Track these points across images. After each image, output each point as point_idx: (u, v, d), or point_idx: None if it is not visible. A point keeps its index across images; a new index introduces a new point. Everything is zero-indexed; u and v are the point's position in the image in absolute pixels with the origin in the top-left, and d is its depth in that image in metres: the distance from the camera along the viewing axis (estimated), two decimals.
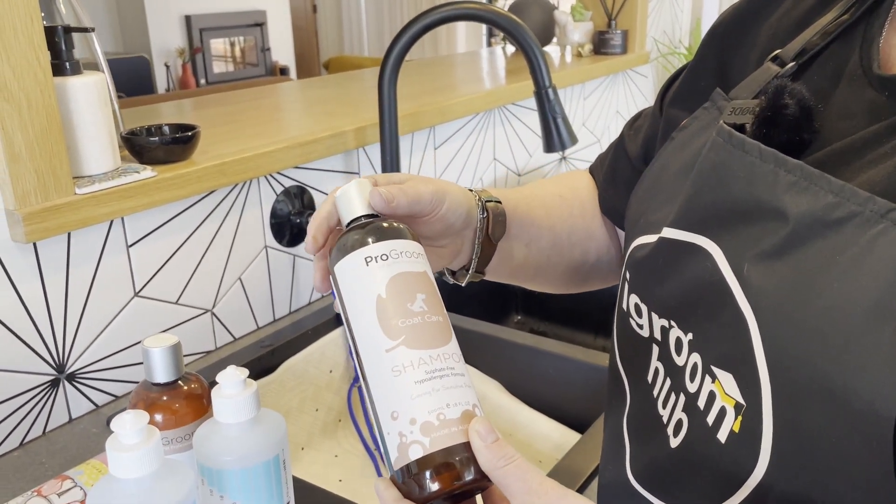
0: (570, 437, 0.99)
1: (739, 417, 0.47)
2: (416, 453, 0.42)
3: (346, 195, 0.52)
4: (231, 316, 1.05)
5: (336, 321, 1.12)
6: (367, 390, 0.45)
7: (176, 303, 0.97)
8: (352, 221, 0.51)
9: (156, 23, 4.95)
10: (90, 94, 0.83)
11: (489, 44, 5.91)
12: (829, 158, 0.47)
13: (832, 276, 0.43)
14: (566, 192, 0.74)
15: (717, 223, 0.50)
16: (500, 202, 0.65)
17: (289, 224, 1.11)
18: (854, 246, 0.42)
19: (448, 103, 1.36)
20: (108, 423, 0.87)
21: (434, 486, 0.42)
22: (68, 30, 0.83)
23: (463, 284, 0.66)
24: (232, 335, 1.06)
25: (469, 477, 0.42)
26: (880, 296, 0.40)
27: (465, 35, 6.13)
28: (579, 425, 1.00)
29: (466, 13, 1.06)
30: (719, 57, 0.61)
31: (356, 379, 1.12)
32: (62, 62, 0.82)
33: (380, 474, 1.05)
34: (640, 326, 0.58)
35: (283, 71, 5.72)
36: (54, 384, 0.85)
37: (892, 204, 0.41)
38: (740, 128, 0.51)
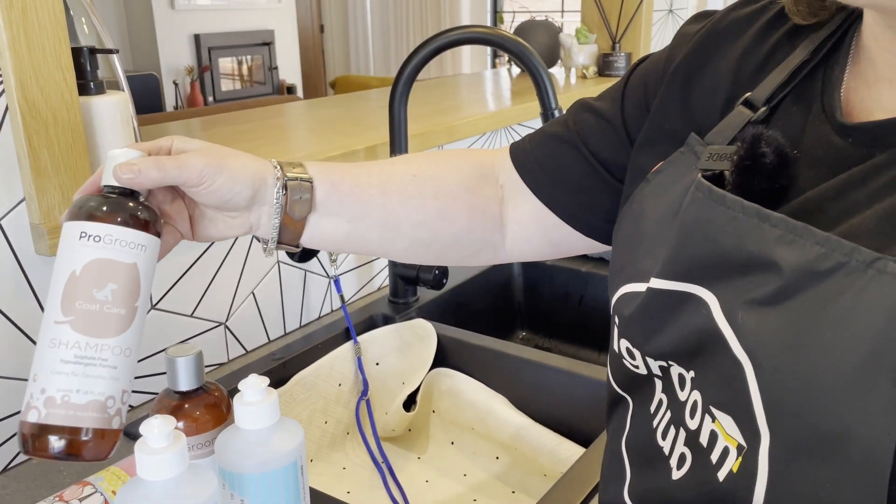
0: (574, 451, 1.00)
1: (739, 459, 0.49)
2: (32, 417, 0.49)
3: (113, 159, 0.55)
4: (243, 329, 1.08)
5: (345, 336, 1.15)
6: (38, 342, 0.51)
7: (191, 316, 0.99)
8: (107, 187, 0.55)
9: (165, 42, 5.02)
10: (113, 113, 0.86)
11: (494, 65, 5.97)
12: (805, 207, 0.49)
13: (824, 326, 0.44)
14: (427, 171, 0.73)
15: (708, 273, 0.51)
16: (309, 180, 0.65)
17: None
18: (844, 296, 0.44)
19: (455, 123, 1.39)
20: (124, 432, 0.89)
21: (31, 450, 0.49)
22: (93, 51, 0.86)
23: (265, 256, 0.67)
24: (244, 348, 1.08)
25: (61, 454, 0.49)
26: (873, 346, 0.42)
27: (470, 56, 6.19)
28: (584, 440, 1.02)
29: (476, 37, 1.10)
30: (683, 99, 0.62)
31: (364, 392, 1.14)
32: (87, 82, 0.85)
33: (387, 488, 1.07)
34: (636, 367, 0.59)
35: (290, 90, 5.78)
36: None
37: (876, 254, 0.43)
38: (719, 175, 0.53)
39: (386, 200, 0.69)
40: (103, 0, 4.83)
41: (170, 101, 5.06)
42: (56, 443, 0.49)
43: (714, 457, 0.51)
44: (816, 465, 0.45)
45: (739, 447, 0.49)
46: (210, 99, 5.33)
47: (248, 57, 5.61)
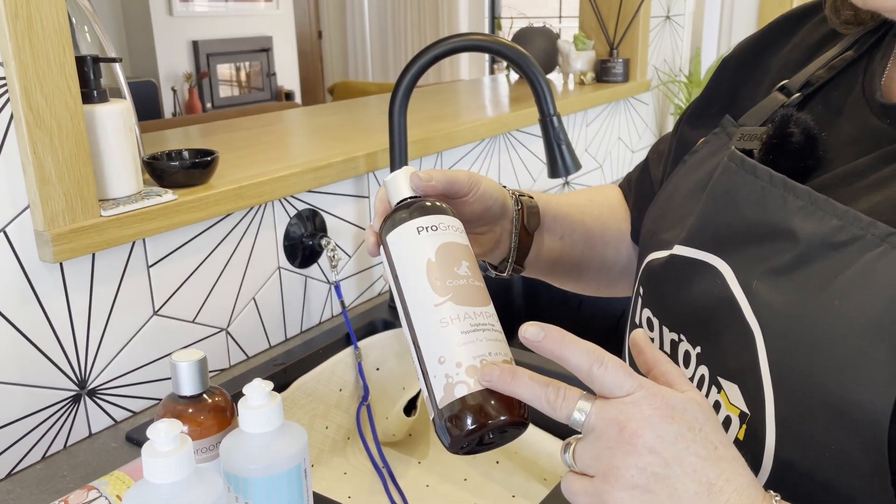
0: None
1: (744, 426, 0.50)
2: (461, 391, 0.46)
3: (394, 180, 0.59)
4: (245, 335, 1.08)
5: (346, 341, 1.15)
6: (416, 343, 0.50)
7: (193, 321, 1.00)
8: (400, 201, 0.57)
9: (164, 48, 5.03)
10: (116, 121, 0.87)
11: (492, 71, 5.98)
12: (832, 182, 0.51)
13: (834, 294, 0.46)
14: (595, 196, 0.80)
15: (728, 242, 0.53)
16: (531, 197, 0.71)
17: (301, 246, 1.14)
18: (855, 267, 0.45)
19: (455, 130, 1.40)
20: (126, 438, 0.90)
21: (479, 421, 0.45)
22: (97, 60, 0.87)
23: (505, 275, 0.71)
24: (245, 354, 1.09)
25: (508, 416, 0.45)
26: (878, 314, 0.43)
27: (468, 63, 6.21)
28: None
29: (475, 45, 1.11)
30: (731, 86, 0.65)
31: (364, 398, 1.15)
32: (90, 90, 0.86)
33: (388, 492, 1.08)
34: (651, 340, 0.61)
35: (289, 96, 5.79)
36: (76, 399, 0.88)
37: (892, 228, 0.45)
38: (748, 153, 0.55)
39: (583, 219, 0.77)
40: (101, 6, 4.84)
41: (168, 107, 5.06)
42: (501, 405, 0.46)
43: None
44: (821, 428, 0.46)
45: (742, 415, 0.50)
46: (208, 105, 5.34)
47: (247, 63, 5.62)
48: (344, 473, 1.11)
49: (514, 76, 2.23)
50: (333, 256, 1.14)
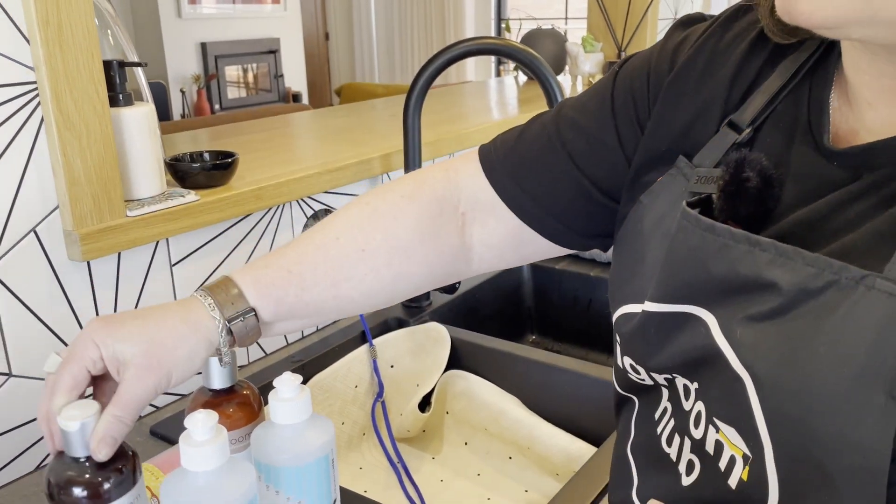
0: (585, 450, 1.03)
1: (747, 467, 0.51)
2: None
3: (70, 435, 0.54)
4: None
5: (361, 339, 1.18)
6: None
7: None
8: (72, 458, 0.54)
9: (173, 50, 5.06)
10: (141, 123, 0.90)
11: (498, 73, 6.01)
12: (794, 229, 0.51)
13: (819, 340, 0.46)
14: (375, 237, 0.69)
15: (703, 295, 0.53)
16: (251, 311, 0.62)
17: None
18: (836, 311, 0.46)
19: (466, 131, 1.42)
20: (150, 432, 0.92)
21: None
22: (122, 64, 0.90)
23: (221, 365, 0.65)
24: (264, 351, 1.11)
25: None
26: (865, 359, 0.44)
27: (474, 64, 6.23)
28: (594, 439, 1.04)
29: (489, 48, 1.13)
30: (678, 118, 0.62)
31: (380, 394, 1.17)
32: (116, 94, 0.89)
33: (403, 487, 1.10)
34: (642, 380, 0.61)
35: (296, 97, 5.82)
36: None
37: (864, 271, 0.45)
38: (707, 198, 0.55)
39: (337, 292, 0.67)
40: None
41: (177, 109, 5.10)
42: None
43: (722, 465, 0.54)
44: (820, 474, 0.47)
45: (745, 456, 0.51)
46: (216, 107, 5.38)
47: (254, 65, 5.66)
48: (360, 468, 1.13)
49: (523, 78, 2.26)
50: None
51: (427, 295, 1.27)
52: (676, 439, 0.59)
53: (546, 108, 1.14)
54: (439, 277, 0.73)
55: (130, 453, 0.57)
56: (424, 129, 1.39)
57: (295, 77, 5.89)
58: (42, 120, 0.80)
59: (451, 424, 1.19)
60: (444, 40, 6.39)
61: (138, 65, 0.92)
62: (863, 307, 0.45)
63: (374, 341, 1.17)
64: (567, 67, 2.14)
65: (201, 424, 0.51)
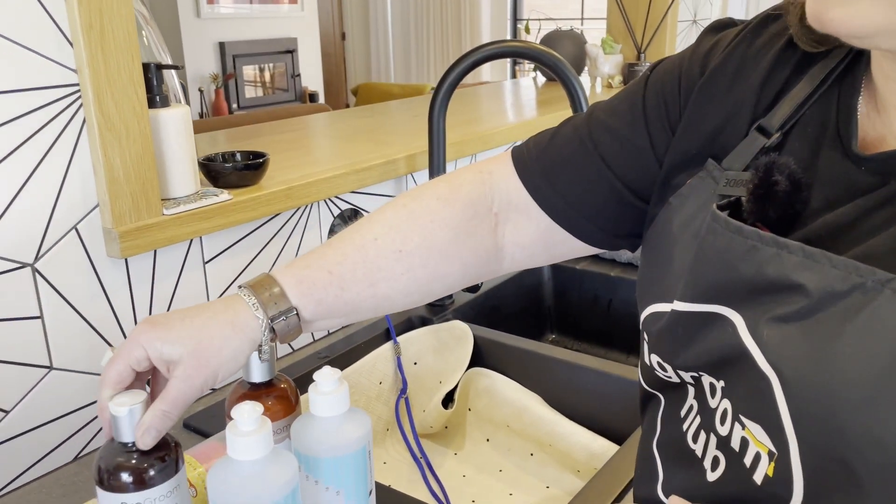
0: (607, 447, 1.05)
1: (772, 464, 0.53)
2: None
3: (119, 420, 0.57)
4: None
5: (385, 336, 1.20)
6: None
7: None
8: (122, 444, 0.58)
9: (191, 49, 5.11)
10: (178, 124, 0.92)
11: (514, 74, 6.02)
12: (822, 233, 0.53)
13: (845, 341, 0.48)
14: (413, 239, 0.71)
15: (730, 295, 0.55)
16: (293, 311, 0.64)
17: None
18: (862, 313, 0.48)
19: (490, 132, 1.44)
20: (184, 425, 0.95)
21: None
22: (160, 67, 0.92)
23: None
24: (291, 347, 1.14)
25: None
26: (891, 361, 0.46)
27: (490, 66, 6.24)
28: (617, 437, 1.06)
29: (513, 51, 1.15)
30: (708, 122, 0.63)
31: (403, 390, 1.19)
32: (153, 96, 0.91)
33: (426, 482, 1.12)
34: (669, 377, 0.63)
35: (312, 97, 5.85)
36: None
37: (889, 274, 0.47)
38: (736, 201, 0.57)
39: (374, 291, 0.69)
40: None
41: (195, 108, 5.15)
42: None
43: (747, 461, 0.55)
44: (845, 471, 0.49)
45: (770, 453, 0.53)
46: (234, 106, 5.42)
47: (272, 64, 5.69)
48: (384, 463, 1.16)
49: (542, 79, 2.27)
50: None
51: (450, 294, 1.29)
52: (702, 436, 0.60)
53: (569, 110, 1.16)
54: (472, 276, 0.75)
55: (174, 444, 0.60)
56: (447, 130, 1.41)
57: (312, 76, 5.92)
58: (84, 121, 0.83)
59: (474, 421, 1.21)
60: (460, 40, 6.41)
61: (175, 67, 0.95)
62: (887, 309, 0.47)
63: (399, 339, 1.20)
64: (586, 69, 2.15)
65: (247, 415, 0.54)
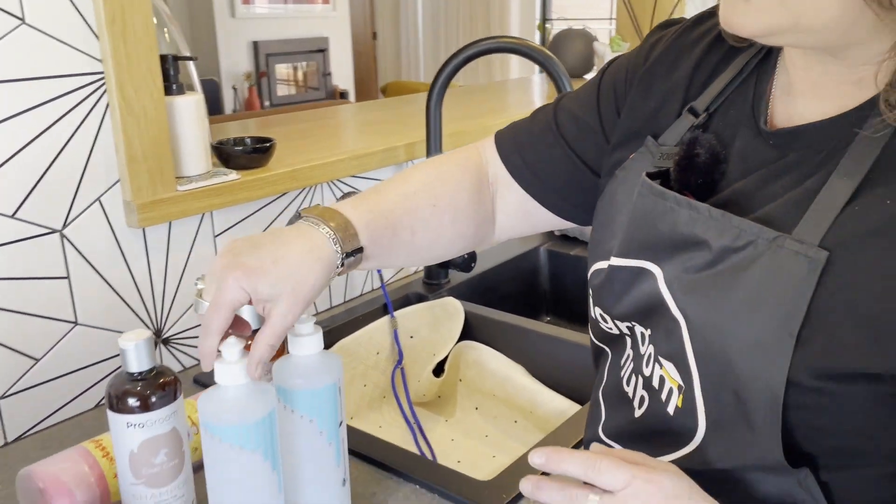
0: (583, 411, 1.13)
1: (681, 396, 0.63)
2: None
3: (127, 352, 0.67)
4: None
5: (384, 311, 1.29)
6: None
7: None
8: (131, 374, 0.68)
9: (226, 49, 5.26)
10: (191, 110, 1.03)
11: (542, 70, 6.08)
12: (735, 197, 0.62)
13: (738, 290, 0.57)
14: (444, 197, 0.79)
15: (653, 251, 0.64)
16: (361, 250, 0.71)
17: None
18: (753, 266, 0.57)
19: (490, 124, 1.53)
20: (194, 381, 1.05)
21: None
22: (176, 58, 1.03)
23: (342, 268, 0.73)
24: None
25: None
26: (774, 306, 0.55)
27: (518, 61, 6.32)
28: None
29: (505, 46, 1.24)
30: (647, 103, 0.73)
31: (399, 361, 1.29)
32: (170, 84, 1.02)
33: (417, 444, 1.21)
34: (610, 329, 0.72)
35: (343, 95, 5.98)
36: (153, 345, 1.04)
37: (776, 232, 0.56)
38: (666, 171, 0.66)
39: (413, 239, 0.77)
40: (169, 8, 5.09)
41: (229, 105, 5.30)
42: None
43: (663, 396, 0.65)
44: (735, 399, 0.58)
45: (679, 387, 0.63)
46: (266, 103, 5.56)
47: (304, 63, 5.82)
48: (379, 427, 1.25)
49: None
50: None
51: (446, 273, 1.39)
52: (633, 379, 0.69)
53: None
54: (479, 239, 0.85)
55: (173, 377, 0.70)
56: (455, 122, 1.50)
57: (343, 75, 6.05)
58: (107, 105, 0.94)
59: (464, 391, 1.30)
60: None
61: (190, 58, 1.05)
62: (773, 262, 0.56)
63: (396, 313, 1.29)
64: (595, 66, 2.23)
65: (232, 347, 0.63)
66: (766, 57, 0.67)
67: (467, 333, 1.30)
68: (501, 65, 6.37)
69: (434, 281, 1.38)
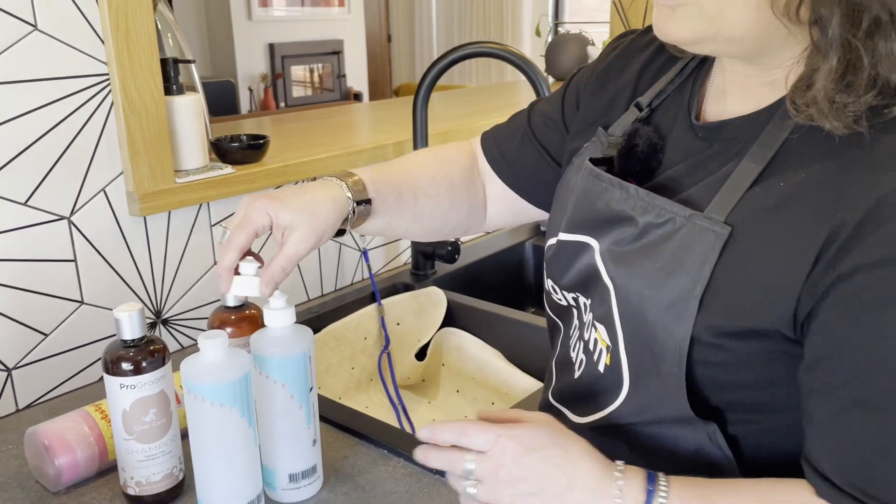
0: None
1: (609, 354, 0.71)
2: (131, 491, 0.80)
3: (121, 322, 0.75)
4: (287, 288, 1.32)
5: (372, 299, 1.38)
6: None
7: None
8: (124, 341, 0.76)
9: (242, 50, 5.37)
10: (190, 109, 1.12)
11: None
12: (666, 181, 0.71)
13: (655, 261, 0.66)
14: (441, 171, 0.91)
15: (592, 226, 0.74)
16: (369, 201, 0.82)
17: None
18: (670, 241, 0.65)
19: (477, 124, 1.61)
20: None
21: None
22: (176, 61, 1.12)
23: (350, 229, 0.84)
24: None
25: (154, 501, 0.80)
26: (685, 274, 0.64)
27: None
28: None
29: (486, 51, 1.31)
30: (601, 99, 0.83)
31: (385, 346, 1.37)
32: (170, 85, 1.11)
33: (400, 423, 1.29)
34: (560, 300, 0.81)
35: (357, 96, 6.08)
36: (153, 326, 1.13)
37: (691, 210, 0.64)
38: (610, 159, 0.75)
39: (416, 203, 0.88)
40: (187, 12, 5.22)
41: (245, 105, 5.41)
42: (150, 501, 0.80)
43: (595, 356, 0.73)
44: (652, 356, 0.66)
45: (608, 347, 0.71)
46: (282, 104, 5.67)
47: (319, 65, 5.92)
48: (366, 407, 1.33)
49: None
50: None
51: (432, 264, 1.47)
52: (576, 345, 0.78)
53: None
54: (472, 221, 0.96)
55: (162, 346, 0.78)
56: (446, 121, 1.58)
57: (357, 77, 6.14)
58: (112, 103, 1.03)
59: (446, 375, 1.38)
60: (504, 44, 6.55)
61: (188, 62, 1.14)
62: (687, 236, 0.64)
63: (383, 301, 1.37)
64: None
65: (250, 264, 0.76)
66: (704, 61, 0.76)
67: (450, 321, 1.38)
68: (498, 66, 6.44)
69: (421, 272, 1.46)
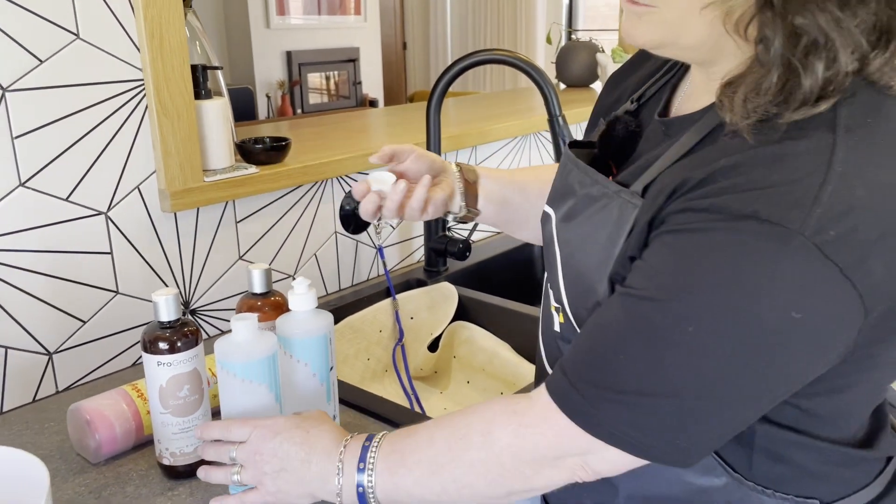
0: None
1: (560, 315, 0.79)
2: (165, 461, 0.87)
3: (159, 305, 0.83)
4: None
5: (387, 294, 1.45)
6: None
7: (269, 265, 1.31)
8: (161, 323, 0.84)
9: (260, 58, 5.48)
10: (217, 112, 1.19)
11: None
12: (636, 168, 0.78)
13: (589, 229, 0.74)
14: (541, 177, 1.06)
15: (554, 199, 0.82)
16: (476, 180, 1.01)
17: (353, 217, 1.44)
18: (601, 212, 0.73)
19: (489, 128, 1.68)
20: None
21: (169, 476, 0.89)
22: (205, 68, 1.19)
23: (462, 216, 1.02)
24: None
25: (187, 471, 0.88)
26: (607, 240, 0.71)
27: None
28: None
29: (495, 59, 1.38)
30: (612, 96, 0.91)
31: (399, 339, 1.44)
32: (200, 90, 1.18)
33: (412, 410, 1.36)
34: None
35: (373, 103, 6.17)
36: (179, 301, 1.20)
37: (619, 186, 0.72)
38: (591, 143, 0.84)
39: (525, 194, 1.04)
40: (206, 19, 5.33)
41: (262, 112, 5.51)
42: (182, 471, 0.88)
43: (552, 319, 0.82)
44: (589, 303, 0.75)
45: (557, 309, 0.78)
46: (298, 111, 5.77)
47: (335, 72, 6.02)
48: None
49: (562, 84, 2.49)
50: (378, 226, 1.43)
51: (444, 261, 1.54)
52: (543, 313, 0.86)
53: (545, 112, 1.38)
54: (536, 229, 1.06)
55: (195, 328, 0.86)
56: (458, 125, 1.65)
57: (372, 84, 6.24)
58: (146, 107, 1.10)
59: (458, 367, 1.45)
60: (516, 51, 6.62)
61: (216, 68, 1.22)
62: (614, 209, 0.72)
63: (397, 296, 1.44)
64: (599, 76, 2.36)
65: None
66: (682, 67, 0.83)
67: (461, 315, 1.45)
68: (512, 73, 6.51)
69: (433, 269, 1.53)
